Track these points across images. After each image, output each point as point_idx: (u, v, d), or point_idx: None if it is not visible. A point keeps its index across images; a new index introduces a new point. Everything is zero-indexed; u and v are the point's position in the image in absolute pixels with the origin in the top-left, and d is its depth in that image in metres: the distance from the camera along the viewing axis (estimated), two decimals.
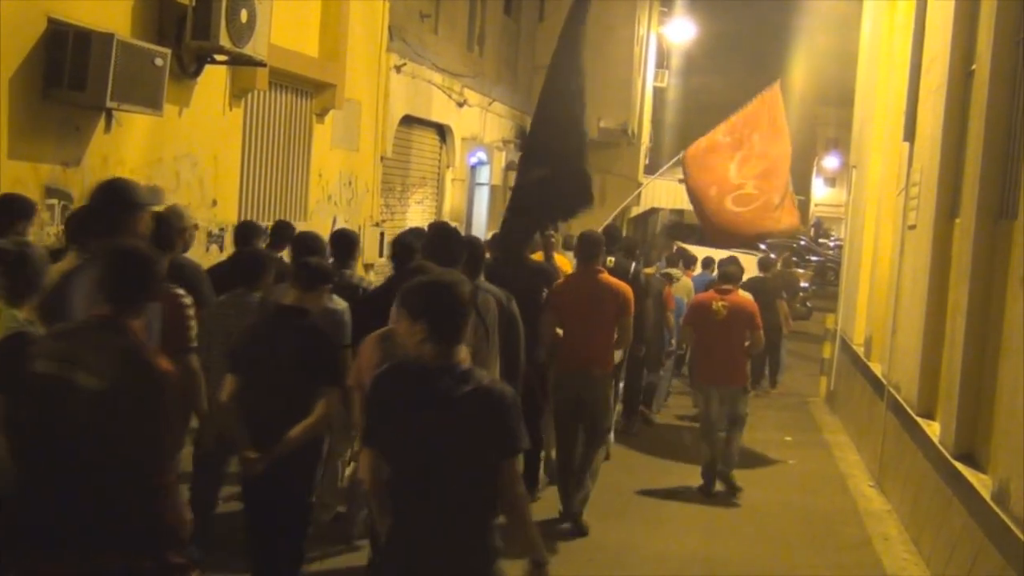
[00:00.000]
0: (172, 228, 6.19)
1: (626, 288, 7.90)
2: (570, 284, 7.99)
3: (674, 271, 12.76)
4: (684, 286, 12.58)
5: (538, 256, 9.22)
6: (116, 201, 4.76)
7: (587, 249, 7.90)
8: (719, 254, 13.11)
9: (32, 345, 3.65)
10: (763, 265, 15.32)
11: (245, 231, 8.03)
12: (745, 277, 10.94)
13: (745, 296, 9.43)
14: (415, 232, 7.61)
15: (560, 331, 7.67)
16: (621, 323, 7.74)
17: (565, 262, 9.81)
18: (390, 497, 3.66)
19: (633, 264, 10.00)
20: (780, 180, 12.64)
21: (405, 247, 6.70)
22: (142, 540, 3.45)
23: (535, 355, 7.35)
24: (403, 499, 3.62)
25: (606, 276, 7.90)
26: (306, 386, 5.10)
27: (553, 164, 9.06)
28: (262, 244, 7.99)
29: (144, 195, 4.97)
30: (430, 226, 7.17)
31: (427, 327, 3.62)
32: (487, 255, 7.51)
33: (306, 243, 6.86)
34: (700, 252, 15.34)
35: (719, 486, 9.06)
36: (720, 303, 9.08)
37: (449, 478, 3.55)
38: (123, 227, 4.63)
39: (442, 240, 6.19)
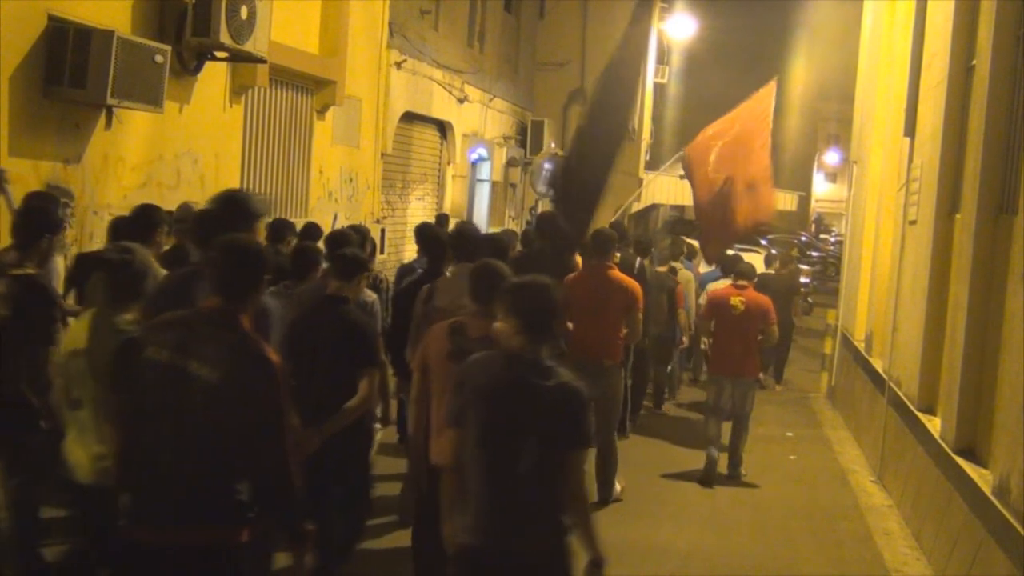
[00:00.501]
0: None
1: (634, 284, 8.15)
2: (581, 279, 8.16)
3: (676, 264, 12.90)
4: (683, 277, 12.68)
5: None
6: (236, 210, 5.01)
7: (600, 246, 8.16)
8: (746, 253, 13.57)
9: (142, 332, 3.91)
10: (770, 262, 15.66)
11: (278, 227, 8.20)
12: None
13: (760, 294, 9.79)
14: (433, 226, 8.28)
15: (570, 324, 7.77)
16: (630, 318, 8.00)
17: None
18: (471, 474, 3.97)
19: (639, 259, 10.21)
20: (753, 169, 12.47)
21: (438, 241, 7.27)
22: (250, 514, 3.66)
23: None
24: (486, 477, 3.95)
25: (616, 272, 8.18)
26: (349, 369, 5.48)
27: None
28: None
29: (260, 205, 5.26)
30: (457, 224, 7.77)
31: (520, 323, 3.99)
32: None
33: (341, 237, 7.22)
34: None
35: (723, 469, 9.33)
36: (738, 299, 9.48)
37: (530, 460, 3.88)
38: (246, 226, 4.91)
39: (465, 239, 6.65)
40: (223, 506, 3.63)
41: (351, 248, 6.26)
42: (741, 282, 9.68)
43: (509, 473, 3.91)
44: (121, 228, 6.50)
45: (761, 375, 11.88)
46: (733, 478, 9.39)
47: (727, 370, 9.50)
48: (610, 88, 9.00)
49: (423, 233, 7.87)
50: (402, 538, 6.40)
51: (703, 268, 14.38)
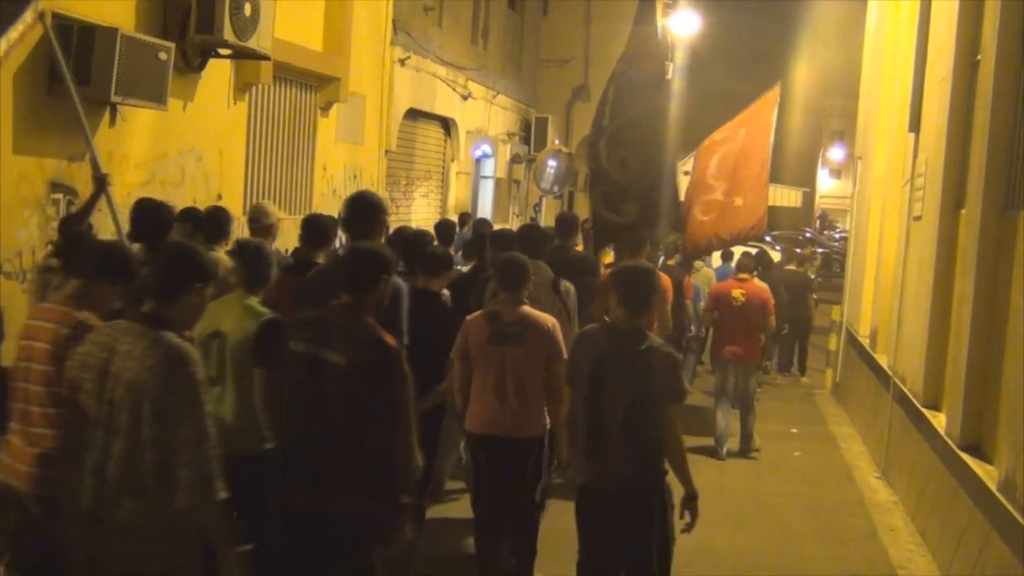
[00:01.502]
0: (262, 224, 7.31)
1: (665, 278, 8.56)
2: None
3: (696, 261, 13.38)
4: (704, 275, 13.28)
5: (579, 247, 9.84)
6: (372, 209, 5.71)
7: (635, 244, 8.90)
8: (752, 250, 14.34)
9: (286, 328, 4.54)
10: (798, 260, 16.35)
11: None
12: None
13: (760, 285, 10.68)
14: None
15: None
16: (660, 310, 8.26)
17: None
18: (583, 425, 4.86)
19: (661, 258, 11.20)
20: (749, 178, 12.57)
21: (503, 239, 7.93)
22: (379, 483, 4.20)
23: None
24: (595, 427, 4.81)
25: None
26: (437, 357, 5.95)
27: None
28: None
29: (385, 204, 5.95)
30: (522, 226, 8.73)
31: (621, 300, 4.89)
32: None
33: (417, 237, 7.66)
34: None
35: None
36: (738, 291, 10.35)
37: (633, 412, 4.73)
38: (377, 229, 5.67)
39: (531, 237, 7.50)
40: (359, 478, 4.18)
41: (437, 247, 7.09)
42: (742, 275, 10.53)
43: (613, 423, 4.74)
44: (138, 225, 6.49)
45: (767, 363, 13.14)
46: (745, 453, 10.14)
47: (730, 356, 10.28)
48: (637, 87, 9.49)
49: (496, 236, 8.42)
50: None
51: (718, 262, 14.74)
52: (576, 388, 4.99)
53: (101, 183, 7.22)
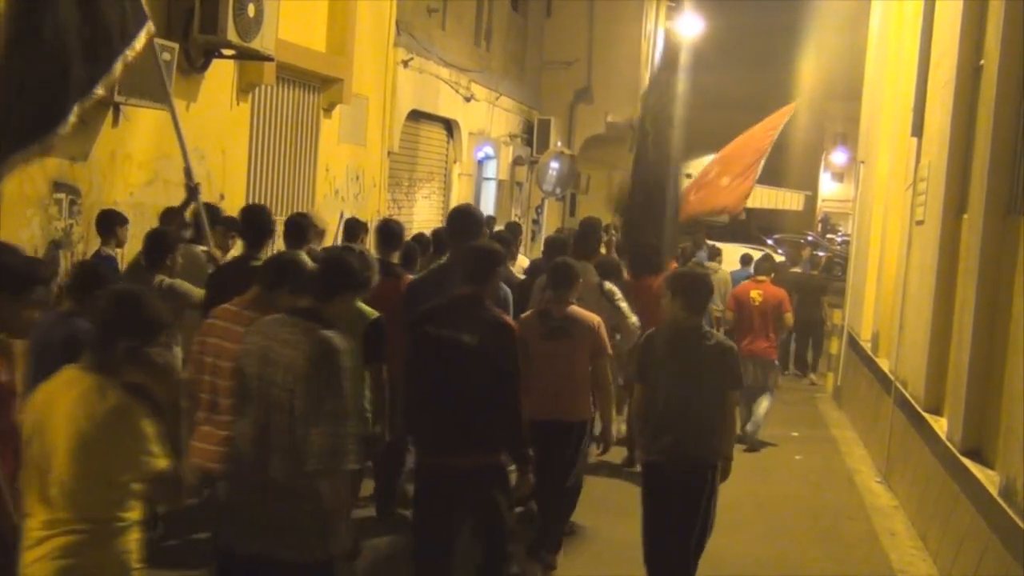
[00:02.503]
0: (309, 229, 7.41)
1: None
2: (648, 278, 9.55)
3: (712, 264, 13.78)
4: (722, 278, 13.44)
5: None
6: (475, 220, 6.53)
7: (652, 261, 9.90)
8: (754, 252, 15.33)
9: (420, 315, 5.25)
10: (811, 263, 17.42)
11: (353, 227, 8.92)
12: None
13: (776, 286, 11.64)
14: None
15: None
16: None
17: None
18: (653, 412, 5.63)
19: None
20: (741, 162, 13.17)
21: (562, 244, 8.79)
22: (504, 440, 5.09)
23: None
24: (665, 413, 5.56)
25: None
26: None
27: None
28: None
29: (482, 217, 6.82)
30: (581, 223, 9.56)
31: (683, 302, 5.60)
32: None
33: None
34: (736, 250, 17.28)
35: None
36: (756, 291, 11.27)
37: (697, 400, 5.49)
38: (479, 236, 6.39)
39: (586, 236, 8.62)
40: (484, 437, 5.01)
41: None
42: (760, 277, 11.53)
43: (681, 409, 5.49)
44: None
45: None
46: (750, 435, 10.61)
47: (749, 352, 10.67)
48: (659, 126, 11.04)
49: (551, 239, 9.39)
50: None
51: (736, 266, 15.11)
52: (647, 381, 5.71)
53: (193, 192, 7.81)
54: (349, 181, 12.79)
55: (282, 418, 4.11)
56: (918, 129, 9.79)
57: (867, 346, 12.31)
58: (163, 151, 8.94)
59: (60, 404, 3.31)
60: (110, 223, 7.57)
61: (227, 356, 4.89)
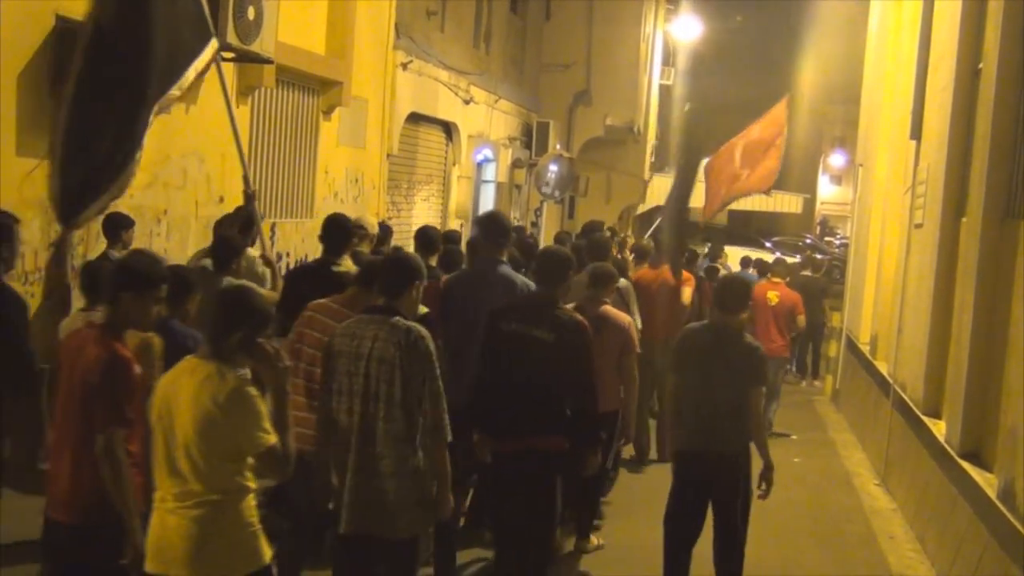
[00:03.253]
0: (364, 233, 8.04)
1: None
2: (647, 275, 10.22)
3: (718, 265, 14.29)
4: None
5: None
6: (503, 224, 6.76)
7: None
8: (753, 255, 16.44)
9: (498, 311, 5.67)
10: (813, 267, 17.65)
11: (384, 232, 9.60)
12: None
13: (792, 291, 12.34)
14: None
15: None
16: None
17: None
18: (686, 403, 6.04)
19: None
20: (757, 155, 13.78)
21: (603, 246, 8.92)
22: (571, 427, 5.50)
23: None
24: (697, 404, 5.97)
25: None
26: None
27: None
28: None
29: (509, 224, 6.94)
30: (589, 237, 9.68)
31: (719, 303, 6.15)
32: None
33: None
34: (737, 252, 18.34)
35: None
36: (773, 293, 11.83)
37: (729, 392, 5.90)
38: (508, 240, 6.71)
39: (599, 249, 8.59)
40: (554, 424, 5.46)
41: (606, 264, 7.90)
42: (776, 279, 12.18)
43: (712, 402, 5.88)
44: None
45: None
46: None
47: (767, 351, 10.82)
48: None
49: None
50: None
51: (736, 268, 15.33)
52: (681, 374, 6.12)
53: (250, 199, 8.13)
54: (348, 183, 12.80)
55: (380, 407, 4.62)
56: (917, 132, 9.80)
57: (866, 349, 12.33)
58: (162, 153, 8.95)
59: (184, 389, 3.81)
60: (116, 226, 7.62)
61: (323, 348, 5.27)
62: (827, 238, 47.73)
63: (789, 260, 17.64)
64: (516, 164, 20.04)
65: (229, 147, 9.97)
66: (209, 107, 9.53)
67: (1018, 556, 5.47)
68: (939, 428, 7.79)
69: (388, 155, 13.92)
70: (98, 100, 6.39)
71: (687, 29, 28.29)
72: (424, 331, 4.70)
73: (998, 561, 5.81)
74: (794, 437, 11.71)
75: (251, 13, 8.90)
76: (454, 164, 17.12)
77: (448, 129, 16.83)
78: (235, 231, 7.82)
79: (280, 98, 11.11)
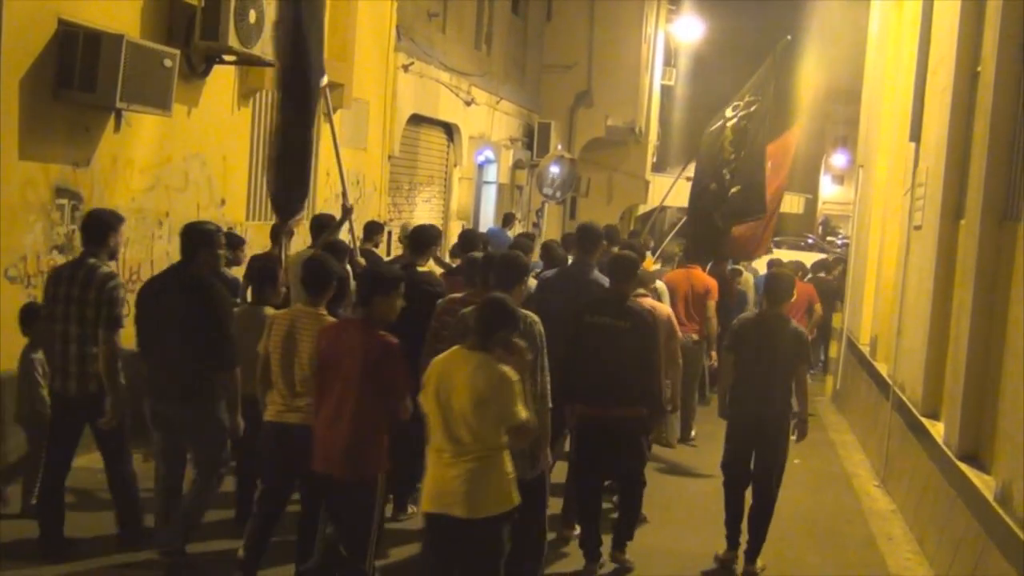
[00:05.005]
0: (433, 239, 8.27)
1: (712, 281, 11.27)
2: (677, 276, 11.21)
3: (739, 266, 14.44)
4: (746, 280, 14.42)
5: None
6: (596, 233, 7.79)
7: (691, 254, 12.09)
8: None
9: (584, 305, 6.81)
10: (823, 267, 18.07)
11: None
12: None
13: (807, 284, 13.71)
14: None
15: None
16: (707, 311, 11.05)
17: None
18: (741, 377, 7.17)
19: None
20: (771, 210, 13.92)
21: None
22: (648, 397, 6.71)
23: None
24: (751, 377, 7.09)
25: (699, 272, 11.40)
26: None
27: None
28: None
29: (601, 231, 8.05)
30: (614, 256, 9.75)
31: (768, 295, 7.28)
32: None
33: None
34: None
35: None
36: None
37: (773, 372, 7.03)
38: (599, 246, 7.77)
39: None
40: (632, 395, 6.64)
41: (628, 251, 8.44)
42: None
43: (763, 374, 7.03)
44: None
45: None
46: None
47: None
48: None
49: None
50: None
51: (764, 270, 15.52)
52: (737, 352, 7.23)
53: (348, 212, 8.87)
54: (349, 185, 12.82)
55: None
56: (916, 134, 9.83)
57: (866, 350, 12.35)
58: (164, 156, 8.99)
59: (459, 374, 4.91)
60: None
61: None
62: (829, 238, 47.76)
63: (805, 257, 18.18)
64: (517, 165, 20.08)
65: (231, 149, 10.05)
66: (211, 110, 9.58)
67: (1015, 558, 5.49)
68: (938, 430, 7.82)
69: (389, 156, 13.96)
70: (291, 125, 7.82)
71: (688, 29, 28.31)
72: (535, 316, 5.81)
73: (996, 564, 5.83)
74: (793, 438, 11.69)
75: (252, 16, 8.94)
76: (455, 165, 17.16)
77: (449, 130, 16.87)
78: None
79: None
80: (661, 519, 8.18)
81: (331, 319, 5.70)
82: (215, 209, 9.81)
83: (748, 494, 7.35)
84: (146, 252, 8.85)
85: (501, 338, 4.99)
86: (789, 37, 13.84)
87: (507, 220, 16.42)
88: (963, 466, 6.85)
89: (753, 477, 7.28)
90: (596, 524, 6.92)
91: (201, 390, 5.99)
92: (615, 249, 10.59)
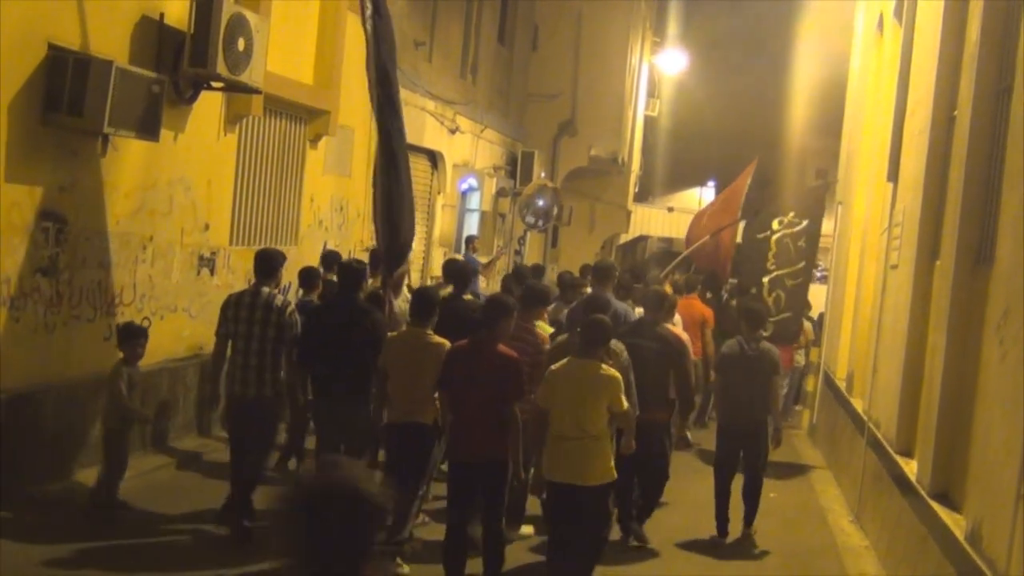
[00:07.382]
0: (469, 273, 10.10)
1: (708, 310, 13.27)
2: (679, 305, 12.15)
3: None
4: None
5: None
6: (612, 268, 9.75)
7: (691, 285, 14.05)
8: None
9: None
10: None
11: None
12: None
13: (703, 305, 13.95)
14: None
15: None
16: (704, 337, 12.79)
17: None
18: (724, 395, 9.17)
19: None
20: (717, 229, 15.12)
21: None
22: (672, 402, 8.60)
23: None
24: (731, 394, 8.95)
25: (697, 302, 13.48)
26: None
27: None
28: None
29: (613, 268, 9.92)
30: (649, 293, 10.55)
31: (744, 324, 9.13)
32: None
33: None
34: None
35: None
36: None
37: (753, 384, 8.73)
38: (614, 280, 9.55)
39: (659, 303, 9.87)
40: (660, 401, 8.29)
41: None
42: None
43: (743, 392, 8.75)
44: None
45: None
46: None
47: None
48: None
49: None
50: None
51: None
52: (723, 373, 9.04)
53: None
54: (333, 211, 12.89)
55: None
56: (894, 175, 9.95)
57: (842, 385, 12.44)
58: (149, 181, 9.02)
59: (574, 377, 6.60)
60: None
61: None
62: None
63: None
64: (500, 193, 20.15)
65: (216, 175, 10.08)
66: (196, 135, 9.62)
67: None
68: (911, 467, 7.89)
69: (373, 183, 13.97)
70: (392, 181, 8.85)
71: (672, 63, 28.51)
72: (621, 345, 7.60)
73: None
74: (768, 471, 11.76)
75: (241, 44, 8.99)
76: (439, 193, 17.23)
77: (433, 158, 16.94)
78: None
79: (268, 127, 11.21)
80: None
81: (441, 339, 7.21)
82: (199, 234, 9.85)
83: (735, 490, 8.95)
84: (129, 276, 8.86)
85: (604, 348, 6.80)
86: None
87: (468, 242, 17.26)
88: (935, 505, 6.91)
89: (744, 471, 8.99)
90: (629, 498, 8.39)
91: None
92: (640, 285, 12.20)
